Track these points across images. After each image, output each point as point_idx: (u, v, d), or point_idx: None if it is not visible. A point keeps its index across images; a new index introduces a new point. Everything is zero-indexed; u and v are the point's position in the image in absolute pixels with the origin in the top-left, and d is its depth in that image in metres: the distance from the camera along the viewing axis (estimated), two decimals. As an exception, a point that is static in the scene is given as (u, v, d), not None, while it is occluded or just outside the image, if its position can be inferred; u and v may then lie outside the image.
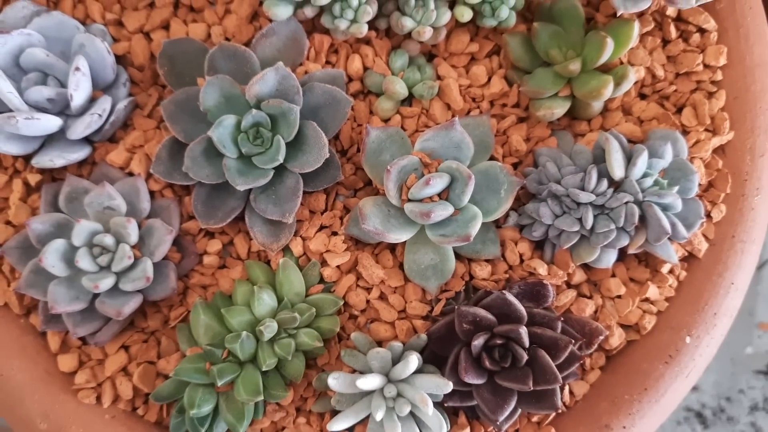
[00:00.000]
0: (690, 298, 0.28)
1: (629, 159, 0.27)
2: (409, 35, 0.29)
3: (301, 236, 0.28)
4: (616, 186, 0.27)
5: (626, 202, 0.26)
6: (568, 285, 0.28)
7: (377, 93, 0.29)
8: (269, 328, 0.26)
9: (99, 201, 0.26)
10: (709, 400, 0.52)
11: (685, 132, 0.29)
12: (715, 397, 0.52)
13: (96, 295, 0.26)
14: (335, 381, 0.25)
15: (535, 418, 0.28)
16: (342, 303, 0.27)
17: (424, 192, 0.26)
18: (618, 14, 0.27)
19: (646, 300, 0.28)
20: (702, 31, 0.30)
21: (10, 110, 0.26)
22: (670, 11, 0.29)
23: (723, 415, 0.52)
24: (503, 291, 0.26)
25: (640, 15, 0.29)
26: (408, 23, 0.28)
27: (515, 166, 0.29)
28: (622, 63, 0.29)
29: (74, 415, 0.26)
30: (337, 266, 0.28)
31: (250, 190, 0.27)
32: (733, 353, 0.53)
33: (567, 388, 0.28)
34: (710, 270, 0.29)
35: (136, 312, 0.27)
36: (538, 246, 0.29)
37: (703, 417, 0.52)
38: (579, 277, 0.28)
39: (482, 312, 0.26)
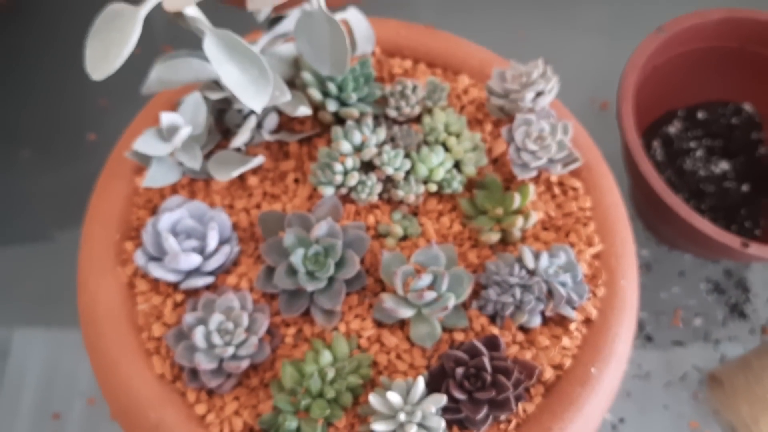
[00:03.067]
0: (591, 344, 0.45)
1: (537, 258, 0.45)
2: (401, 201, 0.49)
3: (344, 321, 0.45)
4: (531, 274, 0.45)
5: (537, 282, 0.44)
6: (513, 342, 0.45)
7: (385, 235, 0.48)
8: (330, 371, 0.42)
9: (224, 303, 0.43)
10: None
11: (572, 245, 0.48)
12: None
13: (222, 360, 0.42)
14: (374, 398, 0.41)
15: (502, 426, 0.42)
16: (372, 359, 0.43)
17: (418, 285, 0.44)
18: (519, 179, 0.48)
19: (564, 348, 0.45)
20: (574, 188, 0.50)
21: (165, 256, 0.45)
22: (554, 179, 0.50)
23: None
24: (472, 341, 0.43)
25: (537, 182, 0.50)
26: (400, 194, 0.47)
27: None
28: (527, 209, 0.48)
29: (206, 442, 0.41)
30: (367, 338, 0.44)
31: (313, 292, 0.44)
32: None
33: (520, 407, 0.43)
34: (601, 327, 0.45)
35: (242, 375, 0.43)
36: (492, 320, 0.46)
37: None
38: (520, 337, 0.45)
39: (460, 353, 0.42)
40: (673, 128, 0.76)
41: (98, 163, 0.52)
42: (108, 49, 0.38)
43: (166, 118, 0.43)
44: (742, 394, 0.65)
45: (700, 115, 0.77)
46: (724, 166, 0.74)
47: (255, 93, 0.40)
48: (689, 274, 0.73)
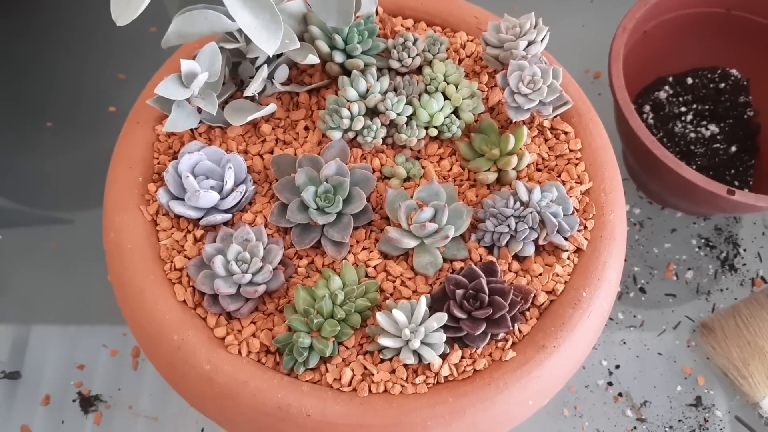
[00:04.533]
0: (582, 271, 0.48)
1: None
2: (404, 146, 0.52)
3: (352, 253, 0.48)
4: (525, 206, 0.48)
5: (531, 212, 0.47)
6: (509, 270, 0.48)
7: (389, 177, 0.51)
8: (340, 294, 0.45)
9: (241, 236, 0.47)
10: (657, 430, 0.67)
11: (564, 183, 0.51)
12: (661, 427, 0.67)
13: (240, 286, 0.46)
14: (381, 317, 0.44)
15: (500, 344, 0.46)
16: (379, 285, 0.47)
17: (420, 217, 0.47)
18: (513, 122, 0.51)
19: (556, 275, 0.48)
20: (565, 132, 0.53)
21: (186, 194, 0.48)
22: (546, 123, 0.53)
23: (670, 438, 0.67)
24: (471, 266, 0.46)
25: (530, 127, 0.53)
26: (403, 137, 0.51)
27: (471, 211, 0.51)
28: (521, 151, 0.52)
29: (226, 360, 0.44)
30: (374, 267, 0.48)
31: (324, 225, 0.48)
32: (668, 392, 0.69)
33: (516, 327, 0.46)
34: (591, 255, 0.49)
35: (259, 301, 0.47)
36: (490, 251, 0.49)
37: (655, 439, 0.67)
38: (515, 266, 0.48)
39: (460, 277, 0.46)
40: (663, 93, 0.79)
41: (119, 133, 0.55)
42: (133, -5, 0.41)
43: (185, 64, 0.46)
44: (733, 338, 0.68)
45: (689, 81, 0.80)
46: (713, 128, 0.78)
47: (267, 37, 0.44)
48: (681, 231, 0.76)
